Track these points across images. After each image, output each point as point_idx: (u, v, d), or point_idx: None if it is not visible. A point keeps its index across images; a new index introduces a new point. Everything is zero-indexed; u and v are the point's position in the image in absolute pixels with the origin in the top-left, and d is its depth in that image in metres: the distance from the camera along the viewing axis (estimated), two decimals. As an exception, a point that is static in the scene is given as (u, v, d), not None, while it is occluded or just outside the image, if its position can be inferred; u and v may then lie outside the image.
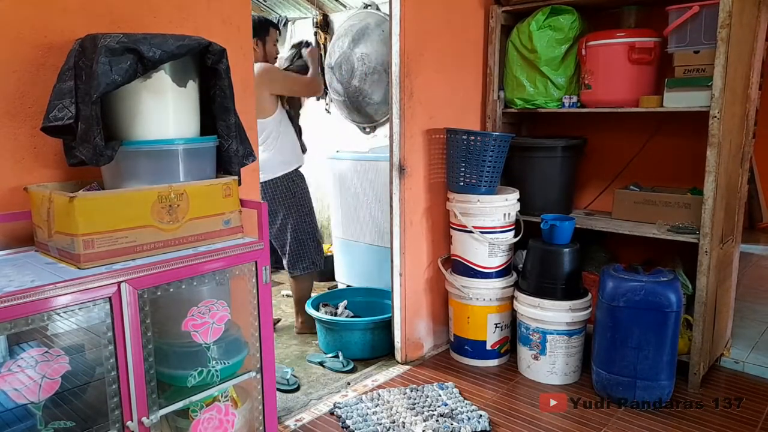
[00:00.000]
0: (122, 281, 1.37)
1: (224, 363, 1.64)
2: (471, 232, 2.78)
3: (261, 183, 3.01)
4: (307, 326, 3.32)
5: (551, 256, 2.68)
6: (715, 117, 2.41)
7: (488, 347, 2.88)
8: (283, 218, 3.23)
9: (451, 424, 2.28)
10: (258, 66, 2.98)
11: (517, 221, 2.90)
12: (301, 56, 3.52)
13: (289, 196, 3.22)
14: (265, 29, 3.22)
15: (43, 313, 1.25)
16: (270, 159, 3.14)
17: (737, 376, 2.78)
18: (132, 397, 1.40)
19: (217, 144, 1.68)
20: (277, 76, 3.20)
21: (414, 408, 2.41)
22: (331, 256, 4.17)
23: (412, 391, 2.57)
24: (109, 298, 1.35)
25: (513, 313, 2.87)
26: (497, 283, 2.83)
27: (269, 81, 3.10)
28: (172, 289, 1.48)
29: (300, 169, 3.30)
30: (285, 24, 4.59)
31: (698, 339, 2.56)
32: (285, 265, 3.33)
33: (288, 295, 3.82)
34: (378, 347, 2.98)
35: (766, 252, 5.09)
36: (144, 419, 1.43)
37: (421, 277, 2.97)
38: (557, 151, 2.95)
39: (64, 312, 1.30)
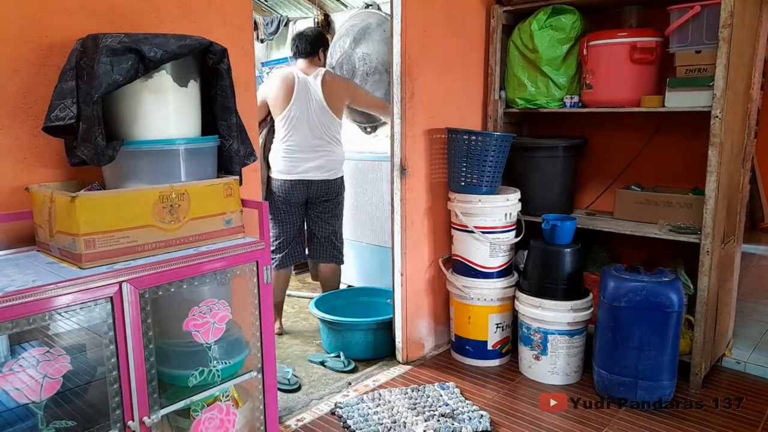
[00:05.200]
0: (123, 281, 1.37)
1: (225, 363, 1.64)
2: (472, 232, 2.78)
3: (328, 181, 3.22)
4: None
5: (552, 256, 2.68)
6: (717, 117, 2.41)
7: (489, 347, 2.88)
8: None
9: (452, 424, 2.27)
10: (338, 74, 3.49)
11: (518, 221, 2.89)
12: None
13: None
14: (326, 40, 3.47)
15: (45, 313, 1.25)
16: (339, 156, 3.29)
17: (739, 377, 2.78)
18: (133, 397, 1.41)
19: (218, 144, 1.68)
20: (361, 92, 3.43)
21: (415, 408, 2.41)
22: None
23: (413, 391, 2.57)
24: (111, 297, 1.35)
25: (514, 313, 2.87)
26: (498, 283, 2.83)
27: (355, 93, 3.35)
28: (173, 289, 1.48)
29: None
30: (286, 24, 4.59)
31: (700, 339, 2.55)
32: None
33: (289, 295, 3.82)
34: (380, 347, 2.98)
35: (768, 252, 5.08)
36: (145, 419, 1.43)
37: (422, 277, 2.96)
38: (558, 151, 2.95)
39: (66, 312, 1.30)
